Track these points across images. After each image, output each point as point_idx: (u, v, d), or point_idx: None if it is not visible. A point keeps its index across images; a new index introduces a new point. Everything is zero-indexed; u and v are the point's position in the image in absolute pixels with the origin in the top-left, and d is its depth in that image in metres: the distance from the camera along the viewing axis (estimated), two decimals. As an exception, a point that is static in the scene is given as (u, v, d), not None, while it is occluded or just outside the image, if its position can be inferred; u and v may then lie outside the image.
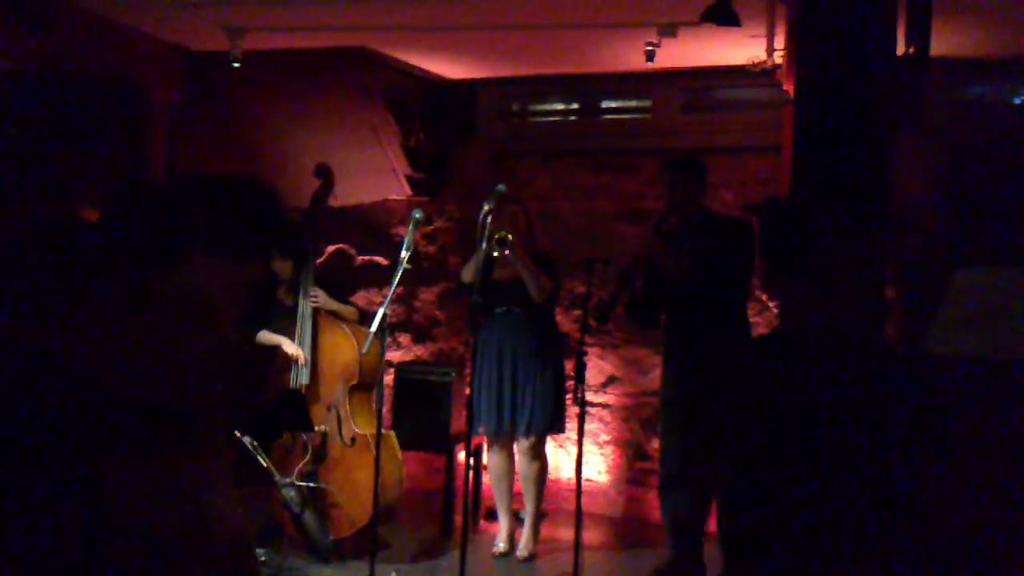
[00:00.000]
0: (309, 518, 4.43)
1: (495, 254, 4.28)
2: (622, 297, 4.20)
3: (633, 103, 5.95)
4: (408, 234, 4.14)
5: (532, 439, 4.67)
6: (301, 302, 4.66)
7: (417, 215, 4.19)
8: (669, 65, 5.11)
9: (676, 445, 4.25)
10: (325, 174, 4.71)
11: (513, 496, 4.88)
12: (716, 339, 4.14)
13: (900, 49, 3.49)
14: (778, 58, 4.60)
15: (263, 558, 4.28)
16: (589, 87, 5.95)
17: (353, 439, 4.57)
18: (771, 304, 5.38)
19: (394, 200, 6.20)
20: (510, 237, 4.38)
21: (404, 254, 4.11)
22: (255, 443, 4.23)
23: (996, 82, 4.91)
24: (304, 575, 4.26)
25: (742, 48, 4.63)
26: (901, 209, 3.31)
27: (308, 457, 4.53)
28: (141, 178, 5.14)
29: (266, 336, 4.71)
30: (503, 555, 4.76)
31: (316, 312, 4.66)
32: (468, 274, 4.57)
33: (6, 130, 4.78)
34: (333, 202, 5.05)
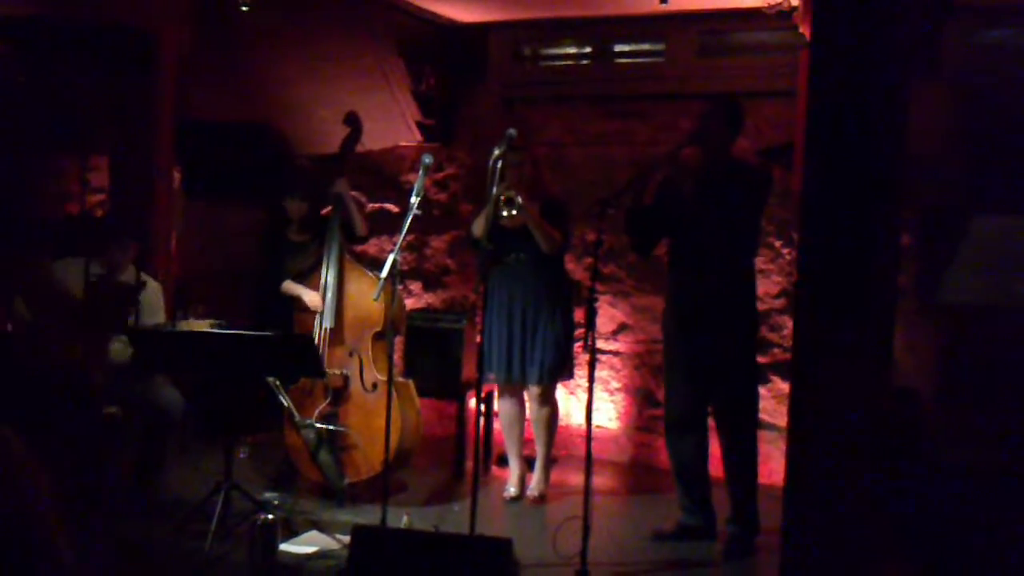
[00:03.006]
0: (325, 459, 4.48)
1: (504, 213, 4.35)
2: (632, 194, 4.15)
3: (646, 47, 5.84)
4: (418, 180, 4.12)
5: (542, 386, 4.69)
6: (328, 250, 4.69)
7: (427, 160, 4.16)
8: (683, 8, 5.02)
9: (679, 386, 4.27)
10: (353, 122, 4.78)
11: (523, 442, 4.91)
12: (717, 285, 4.12)
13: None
14: (795, 0, 4.51)
15: (275, 501, 4.33)
16: (602, 31, 5.85)
17: (375, 385, 4.61)
18: (785, 252, 5.35)
19: (404, 146, 6.16)
20: (518, 198, 4.38)
21: (414, 200, 4.09)
22: (278, 383, 4.29)
23: (1017, 27, 4.81)
24: (317, 519, 4.30)
25: (758, -10, 4.55)
26: (917, 156, 3.26)
27: (328, 399, 4.59)
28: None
29: (289, 287, 4.82)
30: (514, 499, 4.80)
31: (342, 258, 4.70)
32: (478, 229, 4.52)
33: (15, 76, 4.75)
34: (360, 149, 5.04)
